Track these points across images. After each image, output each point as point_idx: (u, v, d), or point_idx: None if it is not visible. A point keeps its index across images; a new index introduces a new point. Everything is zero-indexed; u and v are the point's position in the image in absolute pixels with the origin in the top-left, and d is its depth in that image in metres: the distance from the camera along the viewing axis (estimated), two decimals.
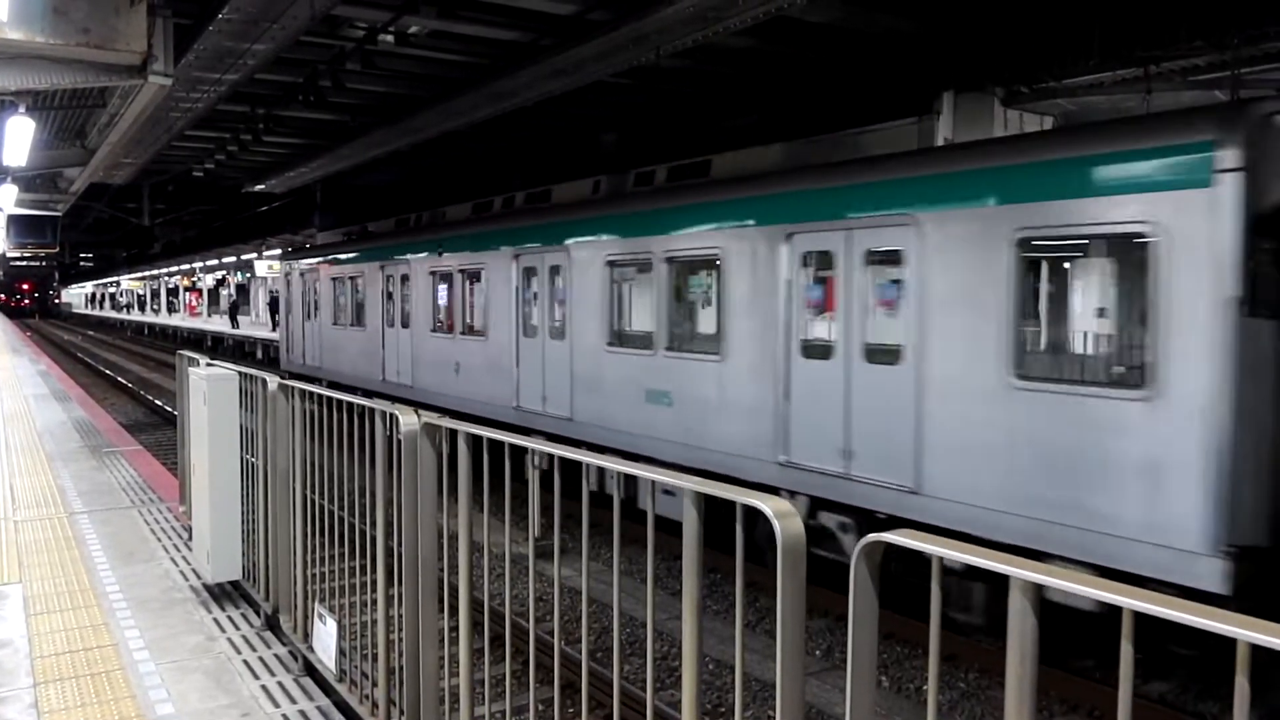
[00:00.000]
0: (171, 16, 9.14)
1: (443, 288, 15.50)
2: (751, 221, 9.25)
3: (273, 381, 5.50)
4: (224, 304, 55.13)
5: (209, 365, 6.52)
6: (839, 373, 8.31)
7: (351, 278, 18.67)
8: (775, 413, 8.89)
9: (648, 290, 10.83)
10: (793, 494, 8.63)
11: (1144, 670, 7.45)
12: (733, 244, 9.44)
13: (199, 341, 43.13)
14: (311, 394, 5.10)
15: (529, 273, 12.97)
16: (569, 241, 11.98)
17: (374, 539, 4.35)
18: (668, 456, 9.99)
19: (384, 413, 4.02)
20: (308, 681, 4.90)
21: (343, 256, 19.58)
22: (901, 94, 11.46)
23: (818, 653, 8.13)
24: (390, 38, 11.59)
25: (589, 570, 3.08)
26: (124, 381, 30.24)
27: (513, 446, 3.40)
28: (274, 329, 39.21)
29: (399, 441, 3.86)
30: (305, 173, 22.03)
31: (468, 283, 14.91)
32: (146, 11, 8.21)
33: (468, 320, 14.85)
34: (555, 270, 12.31)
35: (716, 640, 8.18)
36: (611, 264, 11.25)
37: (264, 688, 4.79)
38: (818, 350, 8.61)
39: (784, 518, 2.22)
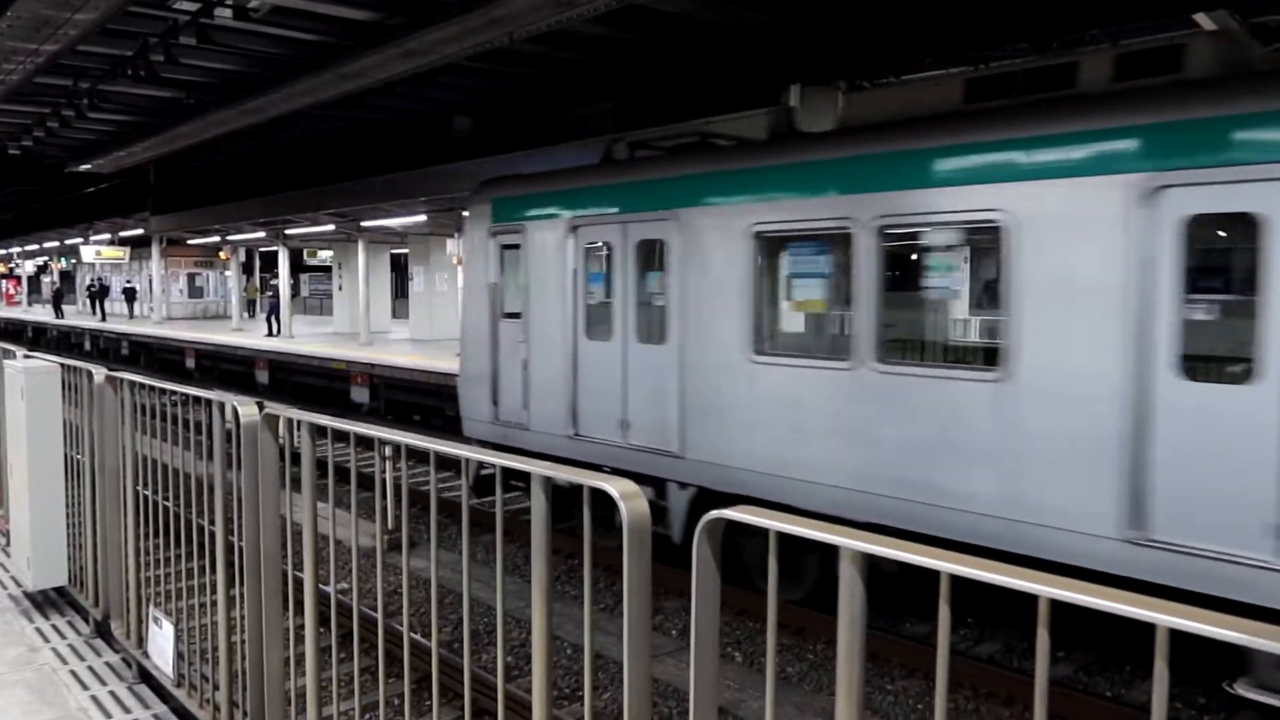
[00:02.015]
0: None
1: None
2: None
3: (99, 373, 5.17)
4: (46, 292, 51.26)
5: (27, 357, 6.07)
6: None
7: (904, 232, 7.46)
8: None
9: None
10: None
11: (976, 633, 7.96)
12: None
13: (18, 332, 39.96)
14: (142, 385, 4.83)
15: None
16: None
17: (214, 535, 4.16)
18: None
19: (220, 402, 3.85)
20: (143, 689, 4.66)
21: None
22: (752, 85, 11.73)
23: (674, 632, 8.29)
24: (228, 12, 11.01)
25: (444, 561, 3.04)
26: None
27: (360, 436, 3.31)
28: (102, 319, 36.75)
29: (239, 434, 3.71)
30: (136, 152, 20.69)
31: None
32: None
33: None
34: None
35: (574, 625, 8.22)
36: None
37: (94, 698, 4.53)
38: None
39: (629, 499, 2.26)
